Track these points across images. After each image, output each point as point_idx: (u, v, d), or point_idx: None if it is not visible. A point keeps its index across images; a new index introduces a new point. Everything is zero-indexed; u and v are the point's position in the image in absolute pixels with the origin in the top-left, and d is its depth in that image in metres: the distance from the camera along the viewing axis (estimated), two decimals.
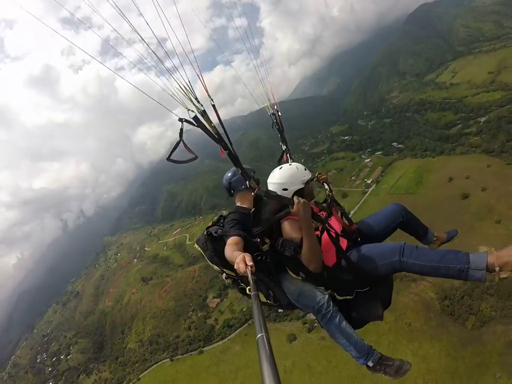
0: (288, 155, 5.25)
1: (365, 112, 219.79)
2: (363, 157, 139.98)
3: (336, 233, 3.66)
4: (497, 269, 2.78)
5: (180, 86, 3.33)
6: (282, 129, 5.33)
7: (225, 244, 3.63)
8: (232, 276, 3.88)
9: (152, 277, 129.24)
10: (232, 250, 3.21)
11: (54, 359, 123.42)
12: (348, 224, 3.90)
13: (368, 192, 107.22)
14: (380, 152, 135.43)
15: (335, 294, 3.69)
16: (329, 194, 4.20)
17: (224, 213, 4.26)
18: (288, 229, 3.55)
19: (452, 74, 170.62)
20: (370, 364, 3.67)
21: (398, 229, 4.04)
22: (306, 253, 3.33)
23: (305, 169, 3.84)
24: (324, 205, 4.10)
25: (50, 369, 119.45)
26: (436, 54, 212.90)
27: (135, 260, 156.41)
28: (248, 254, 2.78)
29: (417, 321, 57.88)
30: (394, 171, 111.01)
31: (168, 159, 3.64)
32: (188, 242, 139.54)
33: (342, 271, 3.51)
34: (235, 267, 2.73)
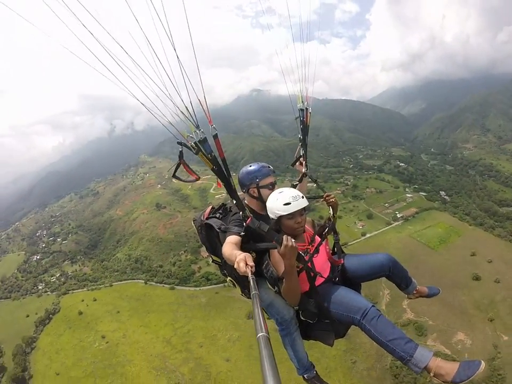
0: (304, 162, 4.87)
1: (432, 149, 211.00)
2: (407, 190, 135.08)
3: (314, 273, 3.59)
4: (431, 374, 2.92)
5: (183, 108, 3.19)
6: (307, 131, 4.85)
7: (218, 234, 3.84)
8: (218, 262, 4.06)
9: (166, 207, 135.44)
10: (232, 248, 3.30)
11: (50, 239, 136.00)
12: (336, 258, 3.99)
13: (392, 225, 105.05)
14: (425, 194, 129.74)
15: (300, 313, 3.77)
16: (330, 219, 4.07)
17: (229, 203, 4.10)
18: (276, 258, 3.55)
19: None
20: (305, 376, 4.19)
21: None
22: (285, 291, 3.41)
23: (286, 204, 3.49)
24: (321, 229, 3.98)
25: (44, 245, 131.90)
26: None
27: (159, 186, 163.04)
28: (249, 254, 2.94)
29: (363, 364, 57.36)
30: (427, 218, 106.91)
31: (173, 175, 3.71)
32: (211, 191, 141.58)
33: (309, 303, 3.59)
34: (235, 266, 2.85)
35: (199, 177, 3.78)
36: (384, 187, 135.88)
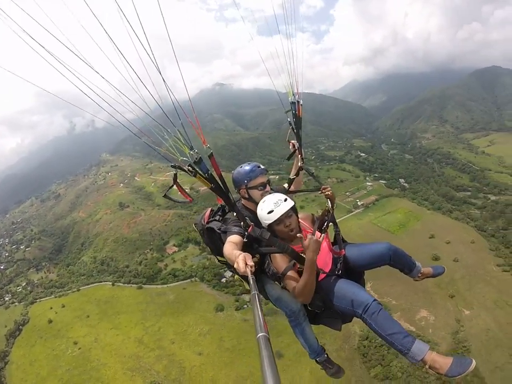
0: (300, 156, 4.84)
1: (392, 139, 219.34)
2: (367, 179, 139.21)
3: (317, 271, 3.63)
4: (427, 366, 3.11)
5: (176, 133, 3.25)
6: (300, 124, 4.87)
7: (220, 236, 3.90)
8: (223, 261, 4.03)
9: (129, 205, 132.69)
10: (232, 248, 3.32)
11: (13, 247, 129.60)
12: (337, 250, 4.01)
13: (353, 213, 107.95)
14: (384, 182, 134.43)
15: (307, 304, 3.83)
16: (329, 211, 4.09)
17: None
18: (277, 261, 3.63)
19: (488, 143, 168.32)
20: (317, 360, 4.37)
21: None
22: (300, 288, 3.40)
23: (270, 212, 3.63)
24: (321, 223, 4.04)
25: (7, 254, 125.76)
26: (484, 118, 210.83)
27: (121, 185, 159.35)
28: (248, 254, 2.94)
29: (331, 345, 57.52)
30: (387, 204, 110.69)
31: (165, 196, 3.79)
32: (175, 187, 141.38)
33: (314, 297, 3.61)
34: (235, 266, 2.86)
35: (193, 199, 3.91)
36: (345, 177, 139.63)
